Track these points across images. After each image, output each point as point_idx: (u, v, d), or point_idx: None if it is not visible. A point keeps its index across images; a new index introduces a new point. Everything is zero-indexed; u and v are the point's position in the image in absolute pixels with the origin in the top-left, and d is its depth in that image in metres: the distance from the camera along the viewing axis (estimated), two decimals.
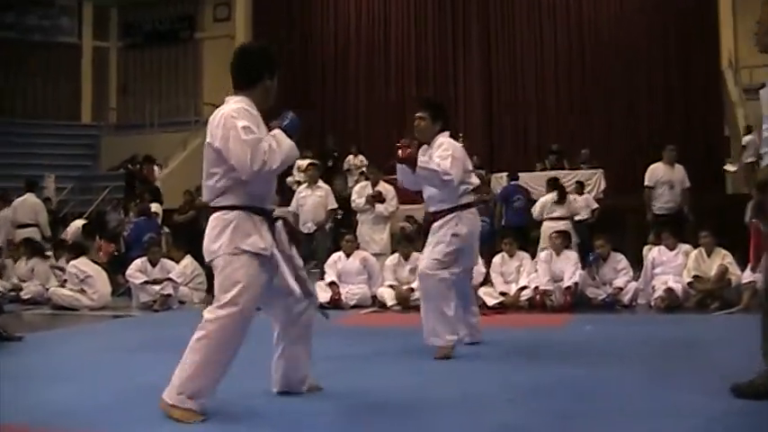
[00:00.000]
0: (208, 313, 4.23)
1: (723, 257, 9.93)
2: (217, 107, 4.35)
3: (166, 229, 14.03)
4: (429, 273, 6.12)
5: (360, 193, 11.71)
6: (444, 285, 6.13)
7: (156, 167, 19.42)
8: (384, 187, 11.49)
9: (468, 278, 6.84)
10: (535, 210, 12.87)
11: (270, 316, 4.51)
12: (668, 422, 3.91)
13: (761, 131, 4.26)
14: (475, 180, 6.52)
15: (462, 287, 6.50)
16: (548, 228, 12.12)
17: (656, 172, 12.19)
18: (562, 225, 12.06)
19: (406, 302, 10.14)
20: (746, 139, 10.75)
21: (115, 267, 12.25)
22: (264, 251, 4.22)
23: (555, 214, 12.57)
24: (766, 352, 3.88)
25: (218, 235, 4.27)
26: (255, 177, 4.12)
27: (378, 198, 11.36)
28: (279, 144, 4.16)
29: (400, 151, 5.85)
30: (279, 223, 4.37)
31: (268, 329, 4.54)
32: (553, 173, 17.37)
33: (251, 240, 4.20)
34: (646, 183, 12.22)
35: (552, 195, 12.75)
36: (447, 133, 6.33)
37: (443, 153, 6.03)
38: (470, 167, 6.44)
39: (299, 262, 4.45)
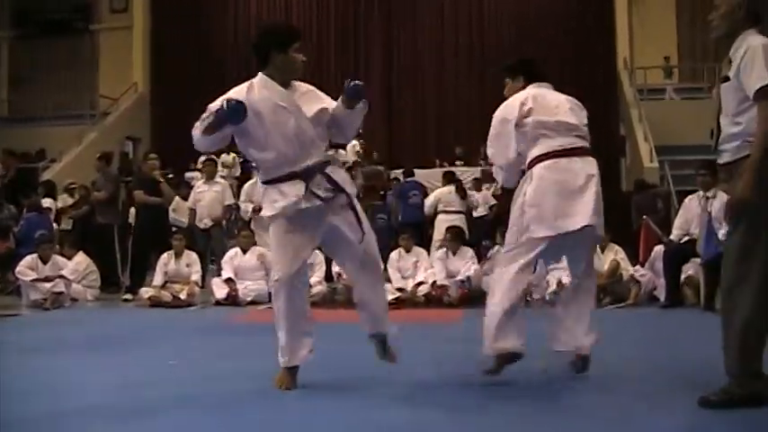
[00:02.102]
0: None
1: (616, 253, 10.22)
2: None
3: (63, 225, 13.71)
4: None
5: (249, 194, 11.21)
6: None
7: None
8: None
9: None
10: (428, 201, 12.85)
11: None
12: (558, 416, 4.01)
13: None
14: None
15: None
16: (443, 221, 12.20)
17: None
18: (457, 219, 12.17)
19: None
20: None
21: (4, 264, 11.93)
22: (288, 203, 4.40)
23: (451, 207, 12.61)
24: (727, 353, 3.94)
25: None
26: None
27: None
28: (204, 118, 4.42)
29: None
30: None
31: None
32: (450, 169, 17.64)
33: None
34: None
35: (449, 188, 12.82)
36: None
37: None
38: None
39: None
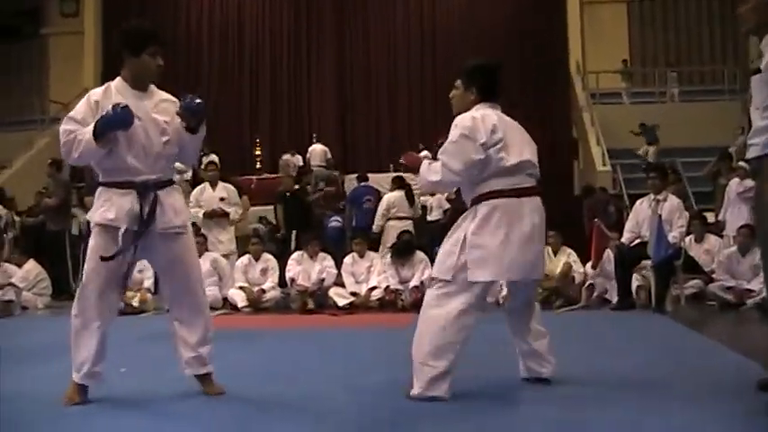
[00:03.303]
0: None
1: (568, 255, 10.34)
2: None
3: (10, 234, 13.48)
4: None
5: (197, 198, 10.90)
6: None
7: None
8: (227, 189, 10.97)
9: None
10: (380, 210, 12.58)
11: None
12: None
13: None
14: None
15: None
16: (392, 227, 12.07)
17: None
18: (407, 225, 12.11)
19: (256, 304, 10.11)
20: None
21: None
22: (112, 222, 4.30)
23: (402, 213, 12.43)
24: None
25: None
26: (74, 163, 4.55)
27: (218, 214, 10.73)
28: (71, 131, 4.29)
29: None
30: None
31: None
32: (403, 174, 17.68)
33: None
34: None
35: (399, 193, 12.62)
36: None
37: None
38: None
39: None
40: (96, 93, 4.44)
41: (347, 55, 22.68)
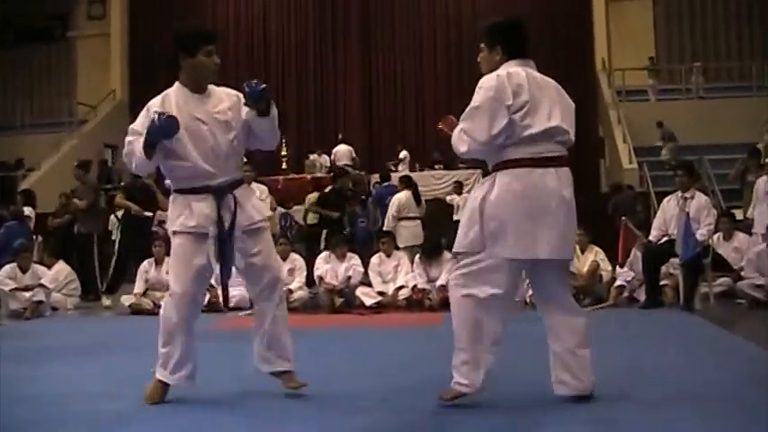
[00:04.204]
0: None
1: (595, 254, 10.27)
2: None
3: (40, 237, 13.61)
4: None
5: None
6: None
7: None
8: (258, 188, 11.19)
9: None
10: (390, 211, 12.51)
11: None
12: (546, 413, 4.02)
13: None
14: None
15: None
16: (402, 227, 12.08)
17: None
18: (417, 226, 12.15)
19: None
20: None
21: None
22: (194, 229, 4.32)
23: (412, 213, 12.40)
24: None
25: None
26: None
27: None
28: (131, 141, 4.33)
29: None
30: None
31: None
32: (430, 173, 17.72)
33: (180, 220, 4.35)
34: None
35: (406, 193, 12.57)
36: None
37: None
38: None
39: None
40: (155, 102, 4.39)
41: (373, 57, 22.77)
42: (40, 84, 24.49)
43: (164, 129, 4.15)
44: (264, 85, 4.22)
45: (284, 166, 19.34)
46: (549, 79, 4.22)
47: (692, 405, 4.08)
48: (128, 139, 4.33)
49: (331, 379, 5.08)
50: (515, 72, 4.05)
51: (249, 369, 4.56)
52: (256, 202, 4.59)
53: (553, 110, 4.05)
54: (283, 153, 19.49)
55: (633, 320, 8.51)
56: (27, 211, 13.84)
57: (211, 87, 4.45)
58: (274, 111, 4.38)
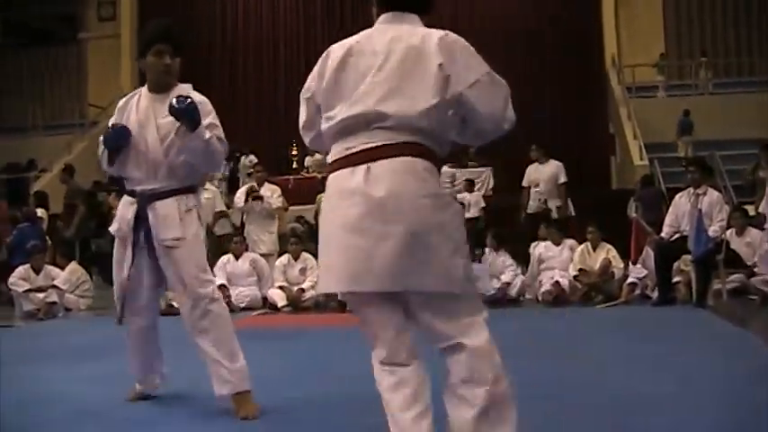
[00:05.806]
0: None
1: (607, 251, 10.28)
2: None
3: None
4: None
5: (243, 193, 11.53)
6: None
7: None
8: (270, 188, 11.43)
9: None
10: None
11: None
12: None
13: None
14: None
15: None
16: None
17: (528, 172, 12.49)
18: None
19: (296, 303, 10.16)
20: None
21: None
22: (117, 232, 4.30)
23: None
24: None
25: None
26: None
27: (256, 198, 11.20)
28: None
29: None
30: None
31: None
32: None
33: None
34: (523, 183, 12.52)
35: None
36: None
37: None
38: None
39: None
40: (122, 99, 4.39)
41: None
42: (51, 85, 24.55)
43: (111, 141, 4.19)
44: (190, 101, 4.00)
45: (295, 165, 19.36)
46: (416, 42, 3.01)
47: (703, 401, 4.09)
48: (100, 139, 4.32)
49: (345, 379, 5.07)
50: (346, 43, 2.98)
51: (254, 370, 4.55)
52: (174, 218, 4.19)
53: (377, 87, 2.75)
54: (293, 153, 19.50)
55: (645, 317, 8.50)
56: (39, 212, 13.90)
57: (178, 89, 4.25)
58: (203, 131, 4.08)
